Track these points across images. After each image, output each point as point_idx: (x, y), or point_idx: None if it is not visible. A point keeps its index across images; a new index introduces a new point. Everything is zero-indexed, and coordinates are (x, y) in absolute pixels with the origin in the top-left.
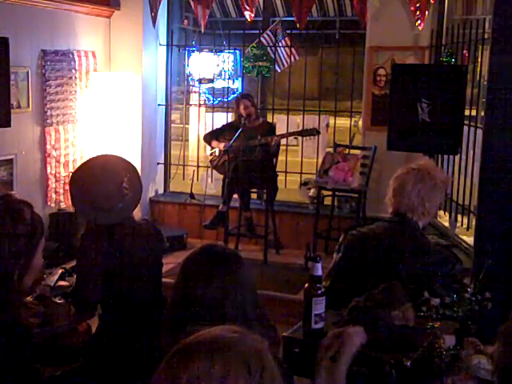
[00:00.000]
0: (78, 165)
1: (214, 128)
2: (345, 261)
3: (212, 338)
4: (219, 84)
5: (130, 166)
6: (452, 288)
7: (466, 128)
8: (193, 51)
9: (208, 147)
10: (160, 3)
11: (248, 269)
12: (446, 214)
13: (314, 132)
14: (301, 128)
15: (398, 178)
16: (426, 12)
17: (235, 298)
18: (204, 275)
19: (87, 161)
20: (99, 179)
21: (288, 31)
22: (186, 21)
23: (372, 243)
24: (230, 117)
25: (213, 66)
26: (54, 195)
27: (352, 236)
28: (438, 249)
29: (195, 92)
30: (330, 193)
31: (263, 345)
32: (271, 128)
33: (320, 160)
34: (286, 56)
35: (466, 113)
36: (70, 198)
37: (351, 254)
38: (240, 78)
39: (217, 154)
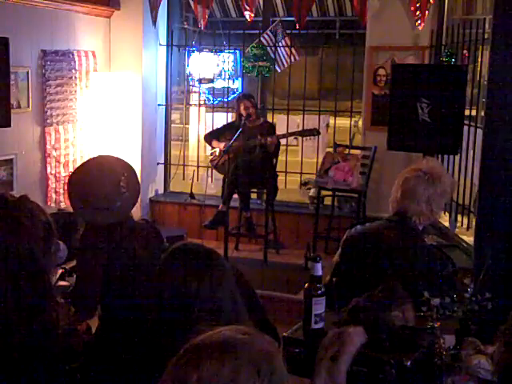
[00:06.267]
0: (78, 165)
1: (215, 128)
2: (344, 257)
3: (223, 339)
4: (219, 84)
5: (127, 166)
6: (440, 290)
7: (466, 128)
8: (193, 51)
9: (208, 147)
10: (160, 3)
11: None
12: (446, 213)
13: (314, 132)
14: (301, 128)
15: (408, 180)
16: (426, 12)
17: (227, 290)
18: (193, 273)
19: (85, 162)
20: (96, 179)
21: (288, 31)
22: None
23: (370, 241)
24: (230, 117)
25: (213, 65)
26: (54, 195)
27: (351, 233)
28: (432, 250)
29: (195, 92)
30: (330, 193)
31: (274, 347)
32: (271, 128)
33: (320, 160)
34: (286, 56)
35: (466, 113)
36: (68, 198)
37: (350, 251)
38: (240, 78)
39: (217, 153)
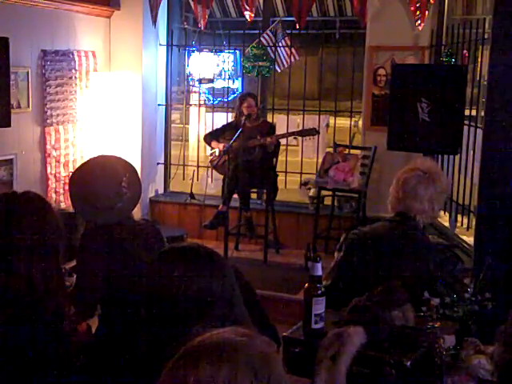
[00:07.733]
0: (78, 165)
1: (214, 128)
2: (346, 260)
3: (220, 341)
4: (219, 84)
5: (128, 166)
6: (453, 288)
7: (466, 128)
8: (193, 51)
9: (208, 147)
10: (160, 3)
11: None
12: (446, 213)
13: (313, 132)
14: (301, 128)
15: (409, 180)
16: (426, 12)
17: (228, 291)
18: (195, 274)
19: (86, 161)
20: (98, 179)
21: (288, 31)
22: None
23: (373, 242)
24: (230, 117)
25: (213, 65)
26: (54, 195)
27: (353, 235)
28: (440, 248)
29: (195, 92)
30: (330, 193)
31: (271, 348)
32: (271, 128)
33: (320, 160)
34: (286, 56)
35: (466, 113)
36: (69, 197)
37: (352, 253)
38: (240, 78)
39: (217, 154)
